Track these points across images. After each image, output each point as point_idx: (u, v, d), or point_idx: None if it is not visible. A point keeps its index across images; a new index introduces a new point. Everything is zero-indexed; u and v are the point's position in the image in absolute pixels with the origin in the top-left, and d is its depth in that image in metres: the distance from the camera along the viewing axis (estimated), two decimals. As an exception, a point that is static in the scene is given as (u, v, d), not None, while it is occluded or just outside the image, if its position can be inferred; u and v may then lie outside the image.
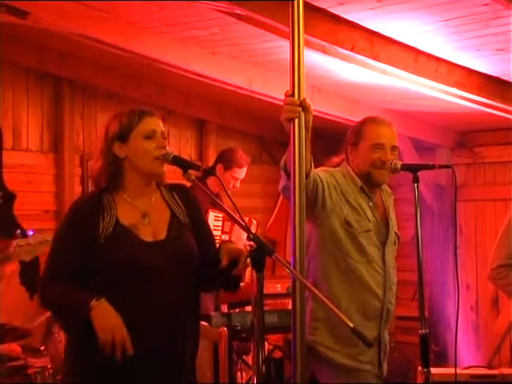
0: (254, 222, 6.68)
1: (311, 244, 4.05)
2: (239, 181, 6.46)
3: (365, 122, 4.36)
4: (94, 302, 3.06)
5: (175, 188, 3.45)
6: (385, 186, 4.42)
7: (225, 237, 6.32)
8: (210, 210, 6.12)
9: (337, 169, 4.30)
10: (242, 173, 6.45)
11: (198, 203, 3.50)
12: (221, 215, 6.21)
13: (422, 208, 4.13)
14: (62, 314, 3.27)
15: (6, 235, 6.03)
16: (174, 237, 3.33)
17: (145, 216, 3.31)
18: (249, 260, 3.09)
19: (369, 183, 4.22)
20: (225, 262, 3.21)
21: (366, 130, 4.27)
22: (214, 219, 6.20)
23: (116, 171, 3.28)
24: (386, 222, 4.39)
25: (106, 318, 3.06)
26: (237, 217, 3.23)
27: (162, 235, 3.31)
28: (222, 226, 6.27)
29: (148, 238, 3.28)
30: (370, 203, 4.25)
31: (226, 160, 6.42)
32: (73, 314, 3.14)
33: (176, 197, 3.42)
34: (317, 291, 3.11)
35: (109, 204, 3.26)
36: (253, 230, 6.46)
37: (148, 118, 3.32)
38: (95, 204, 3.25)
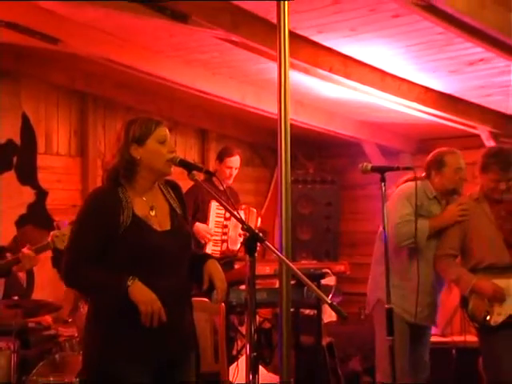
0: (254, 210, 6.65)
1: None
2: (235, 169, 6.39)
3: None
4: (130, 280, 3.07)
5: (170, 184, 3.43)
6: None
7: (226, 223, 6.28)
8: (211, 201, 6.12)
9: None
10: (234, 161, 6.37)
11: (185, 199, 3.50)
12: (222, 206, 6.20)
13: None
14: (98, 292, 3.25)
15: (42, 226, 6.03)
16: (177, 226, 3.32)
17: (152, 208, 3.29)
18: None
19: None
20: (205, 286, 3.27)
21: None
22: (216, 208, 6.19)
23: (131, 169, 3.25)
24: None
25: (144, 293, 3.07)
26: (231, 209, 3.25)
27: (168, 225, 3.30)
28: (224, 214, 6.25)
29: (158, 228, 3.26)
30: None
31: (220, 155, 6.44)
32: (111, 292, 3.15)
33: (171, 191, 3.40)
34: (297, 270, 3.10)
35: (125, 197, 3.23)
36: (253, 217, 6.47)
37: (162, 126, 3.31)
38: (114, 197, 3.22)
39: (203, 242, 6.19)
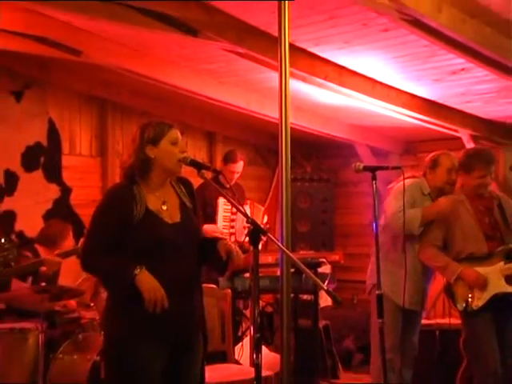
0: (261, 207, 6.63)
1: None
2: (236, 174, 6.35)
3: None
4: (137, 269, 3.06)
5: (182, 180, 3.42)
6: None
7: (233, 217, 6.27)
8: (219, 197, 6.12)
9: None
10: (237, 167, 6.33)
11: (195, 194, 3.50)
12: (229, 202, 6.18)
13: (378, 199, 4.13)
14: (108, 278, 3.26)
15: (66, 220, 6.05)
16: (186, 219, 3.31)
17: (164, 203, 3.28)
18: (247, 239, 3.09)
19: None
20: (224, 256, 3.23)
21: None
22: (223, 204, 6.18)
23: (145, 168, 3.25)
24: None
25: (148, 281, 3.06)
26: (237, 204, 3.27)
27: (178, 218, 3.29)
28: (231, 209, 6.24)
29: (169, 221, 3.25)
30: None
31: (225, 158, 6.41)
32: (120, 279, 3.14)
33: (182, 187, 3.39)
34: (297, 260, 3.11)
35: (139, 193, 3.22)
36: (259, 213, 6.45)
37: (174, 129, 3.30)
38: (128, 193, 3.22)
39: None
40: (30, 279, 5.68)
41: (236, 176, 6.36)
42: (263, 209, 6.64)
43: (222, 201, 6.17)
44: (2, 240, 3.36)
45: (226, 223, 6.27)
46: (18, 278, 5.46)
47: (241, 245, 6.14)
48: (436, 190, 4.71)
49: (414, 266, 4.56)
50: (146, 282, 3.07)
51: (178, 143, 3.29)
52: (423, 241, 4.62)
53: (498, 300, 4.43)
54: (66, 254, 4.43)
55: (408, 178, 4.63)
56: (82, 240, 4.45)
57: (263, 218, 6.52)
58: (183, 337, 3.27)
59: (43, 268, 4.32)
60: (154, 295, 3.06)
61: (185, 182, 3.44)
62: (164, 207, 3.28)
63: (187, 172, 3.38)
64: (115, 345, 3.21)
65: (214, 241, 3.34)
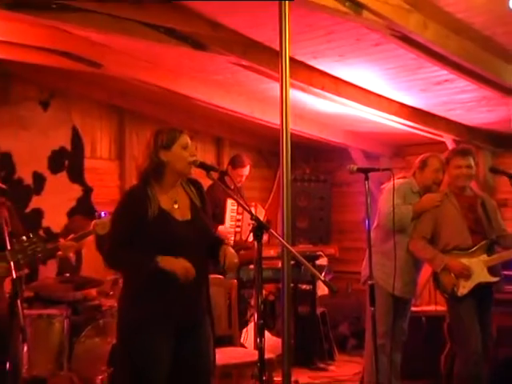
0: (262, 210, 6.60)
1: None
2: (244, 176, 6.31)
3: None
4: (158, 258, 3.07)
5: (192, 182, 3.39)
6: None
7: (239, 217, 6.22)
8: (228, 199, 6.09)
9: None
10: (245, 171, 6.29)
11: (205, 195, 3.49)
12: (236, 202, 6.15)
13: (370, 198, 4.12)
14: (134, 268, 3.24)
15: (88, 216, 6.04)
16: (196, 217, 3.30)
17: (175, 202, 3.27)
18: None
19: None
20: (221, 262, 3.22)
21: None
22: (231, 205, 6.14)
23: (159, 170, 3.24)
24: None
25: (172, 261, 3.08)
26: (243, 204, 3.26)
27: (188, 216, 3.28)
28: (237, 209, 6.21)
29: (180, 218, 3.25)
30: None
31: (233, 163, 6.33)
32: (144, 268, 3.14)
33: (192, 188, 3.37)
34: (296, 253, 3.10)
35: (152, 194, 3.21)
36: (261, 215, 6.34)
37: (184, 134, 3.29)
38: (143, 194, 3.21)
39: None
40: (55, 270, 5.68)
41: (244, 179, 6.33)
42: (264, 211, 6.61)
43: (229, 202, 6.14)
44: (31, 235, 3.34)
45: (233, 223, 6.24)
46: (40, 263, 5.48)
47: (245, 242, 6.14)
48: (424, 188, 4.70)
49: (406, 258, 4.56)
50: (170, 262, 3.08)
51: (188, 147, 3.28)
52: (413, 234, 4.61)
53: (481, 288, 4.44)
54: (78, 238, 4.42)
55: (399, 178, 4.66)
56: (93, 222, 4.45)
57: (264, 218, 6.49)
58: (190, 320, 3.26)
59: (59, 252, 4.31)
60: (184, 267, 3.08)
61: (195, 183, 3.41)
62: (175, 206, 3.27)
63: (197, 174, 3.36)
64: (128, 327, 3.21)
65: (220, 243, 3.33)
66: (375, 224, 4.75)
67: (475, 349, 4.36)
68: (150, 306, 3.15)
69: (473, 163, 4.61)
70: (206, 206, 3.44)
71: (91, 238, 5.70)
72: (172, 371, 3.19)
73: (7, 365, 3.41)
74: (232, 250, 3.28)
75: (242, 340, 5.62)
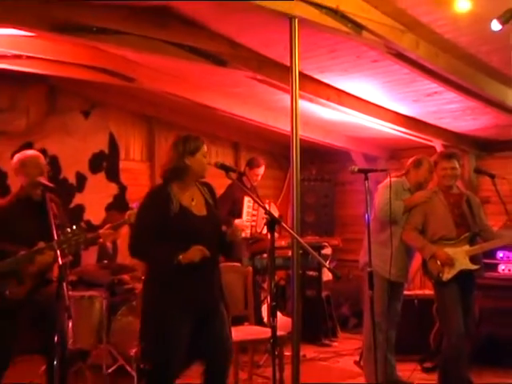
0: (276, 207, 6.58)
1: None
2: (260, 175, 6.26)
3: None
4: (180, 255, 3.09)
5: (205, 184, 3.42)
6: None
7: (254, 212, 6.16)
8: (245, 196, 6.09)
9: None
10: (260, 170, 6.25)
11: (216, 195, 3.50)
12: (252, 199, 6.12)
13: (370, 195, 4.11)
14: (156, 263, 3.26)
15: (123, 211, 6.05)
16: (210, 213, 3.32)
17: (193, 199, 3.29)
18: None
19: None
20: (228, 240, 3.28)
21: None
22: (247, 202, 6.12)
23: (182, 172, 3.27)
24: None
25: (191, 252, 3.10)
26: (258, 200, 3.25)
27: (204, 212, 3.30)
28: (253, 206, 6.20)
29: (197, 213, 3.27)
30: None
31: (250, 164, 6.29)
32: (167, 258, 3.14)
33: (205, 189, 3.39)
34: (304, 243, 3.10)
35: (173, 192, 3.24)
36: (274, 209, 6.37)
37: (204, 144, 3.34)
38: (166, 192, 3.24)
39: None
40: (95, 257, 5.71)
41: (259, 178, 6.33)
42: (277, 208, 6.59)
43: (246, 199, 6.13)
44: (74, 227, 3.36)
45: (249, 217, 6.23)
46: (83, 249, 5.48)
47: (259, 234, 6.13)
48: (417, 185, 4.68)
49: (399, 247, 4.53)
50: (189, 255, 3.10)
51: (206, 155, 3.33)
52: (406, 226, 4.60)
53: (464, 275, 4.42)
54: (116, 227, 4.45)
55: (393, 177, 4.65)
56: (127, 213, 4.47)
57: (277, 213, 6.47)
58: (207, 305, 3.27)
59: (100, 240, 4.34)
60: (199, 250, 3.10)
61: (207, 185, 3.44)
62: (193, 203, 3.29)
63: (217, 174, 3.38)
64: (151, 309, 3.23)
65: (225, 233, 3.34)
66: (372, 217, 4.75)
67: (457, 327, 4.34)
68: (171, 291, 3.16)
69: (457, 165, 4.59)
70: (217, 204, 3.45)
71: (125, 229, 5.74)
72: (193, 349, 3.21)
73: (55, 338, 3.45)
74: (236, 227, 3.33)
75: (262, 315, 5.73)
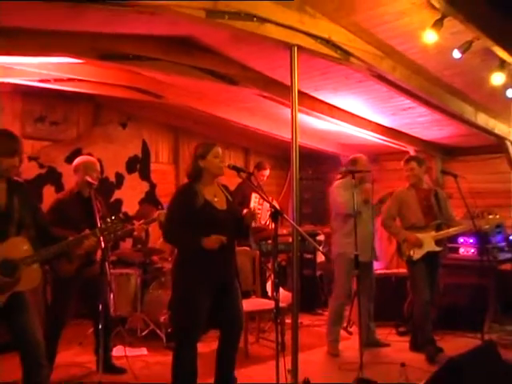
0: (275, 202, 6.58)
1: None
2: (266, 176, 6.28)
3: None
4: (203, 239, 3.12)
5: (223, 186, 3.44)
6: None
7: (259, 206, 6.15)
8: (252, 193, 6.11)
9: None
10: (266, 172, 6.27)
11: (236, 189, 3.51)
12: (258, 195, 6.13)
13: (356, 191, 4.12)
14: (184, 245, 3.28)
15: (153, 205, 6.10)
16: (230, 207, 3.33)
17: (215, 195, 3.30)
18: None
19: None
20: (245, 225, 3.30)
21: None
22: (254, 197, 6.12)
23: (199, 173, 3.29)
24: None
25: (211, 240, 3.13)
26: (264, 196, 3.29)
27: (224, 206, 3.30)
28: (258, 201, 6.22)
29: (219, 207, 3.27)
30: None
31: (258, 166, 6.29)
32: (193, 245, 3.17)
33: (223, 188, 3.40)
34: (302, 231, 3.12)
35: (198, 189, 3.25)
36: (276, 204, 6.37)
37: (216, 147, 3.33)
38: (191, 189, 3.25)
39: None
40: (131, 242, 5.73)
41: (265, 178, 6.33)
42: (277, 203, 6.61)
43: (253, 196, 6.13)
44: (113, 217, 3.42)
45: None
46: (120, 240, 5.53)
47: (263, 225, 6.15)
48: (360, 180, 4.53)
49: (362, 233, 4.33)
50: (210, 241, 3.13)
51: (219, 156, 3.30)
52: (384, 215, 4.65)
53: (430, 255, 4.46)
54: (148, 222, 4.49)
55: (341, 178, 4.68)
56: (157, 212, 4.51)
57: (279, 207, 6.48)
58: (225, 279, 3.30)
59: (135, 233, 4.39)
60: (218, 239, 3.12)
61: (225, 187, 3.45)
62: (216, 199, 3.30)
63: (230, 173, 3.40)
64: (181, 284, 3.25)
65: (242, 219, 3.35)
66: (333, 214, 4.66)
67: (425, 296, 4.41)
68: (197, 269, 3.19)
69: (416, 166, 4.58)
70: (234, 200, 3.46)
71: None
72: (212, 317, 3.23)
73: (100, 307, 3.54)
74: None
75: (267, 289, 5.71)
